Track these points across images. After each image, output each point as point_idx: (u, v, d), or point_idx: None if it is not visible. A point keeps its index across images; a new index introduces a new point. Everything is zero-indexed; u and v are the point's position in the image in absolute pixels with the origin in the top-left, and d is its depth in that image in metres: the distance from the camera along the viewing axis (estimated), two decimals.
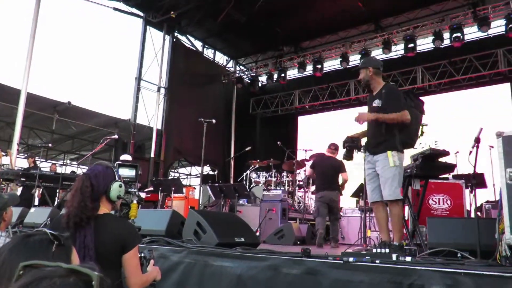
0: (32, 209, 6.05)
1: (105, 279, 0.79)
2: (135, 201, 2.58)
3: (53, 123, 11.61)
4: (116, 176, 2.32)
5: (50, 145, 10.04)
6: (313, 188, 8.68)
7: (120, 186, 2.32)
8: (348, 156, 4.24)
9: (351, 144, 4.25)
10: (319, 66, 12.78)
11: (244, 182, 10.33)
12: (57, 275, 0.77)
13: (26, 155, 10.18)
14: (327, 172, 6.84)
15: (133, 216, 2.59)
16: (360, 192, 7.99)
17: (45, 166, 12.53)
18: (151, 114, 12.46)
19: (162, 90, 12.76)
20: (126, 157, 9.05)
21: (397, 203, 3.87)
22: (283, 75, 13.55)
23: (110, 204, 2.30)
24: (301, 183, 9.98)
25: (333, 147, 6.99)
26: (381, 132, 3.96)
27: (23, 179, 8.25)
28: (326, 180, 6.82)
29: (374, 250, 3.02)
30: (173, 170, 15.42)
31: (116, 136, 7.70)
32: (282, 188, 9.48)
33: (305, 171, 8.79)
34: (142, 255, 2.30)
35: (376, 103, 4.09)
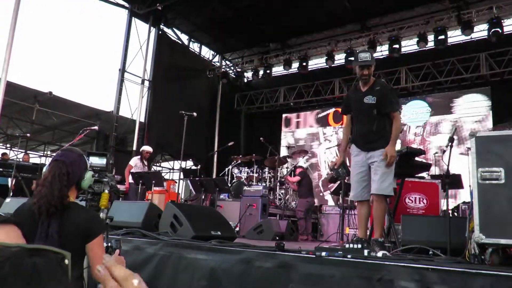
0: (7, 199, 5.95)
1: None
2: (106, 191, 2.56)
3: (33, 113, 11.41)
4: (88, 165, 2.30)
5: (28, 135, 9.85)
6: None
7: (93, 176, 2.30)
8: (333, 181, 4.43)
9: (344, 172, 4.37)
10: (304, 64, 12.84)
11: (226, 177, 10.33)
12: (30, 253, 0.74)
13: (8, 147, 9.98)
14: (311, 182, 8.92)
15: (103, 206, 2.57)
16: (339, 190, 8.06)
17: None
18: (134, 106, 12.35)
19: (146, 83, 12.65)
20: (146, 148, 8.99)
21: (385, 198, 3.92)
22: (268, 71, 13.57)
23: (76, 192, 2.27)
24: (283, 179, 10.03)
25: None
26: (377, 129, 3.98)
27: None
28: (311, 188, 8.73)
29: (347, 246, 3.05)
30: (156, 164, 15.31)
31: (96, 128, 7.60)
32: (264, 184, 9.51)
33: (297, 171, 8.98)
34: (109, 244, 2.28)
35: (369, 99, 4.03)
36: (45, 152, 15.02)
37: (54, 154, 2.37)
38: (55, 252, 0.76)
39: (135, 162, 8.94)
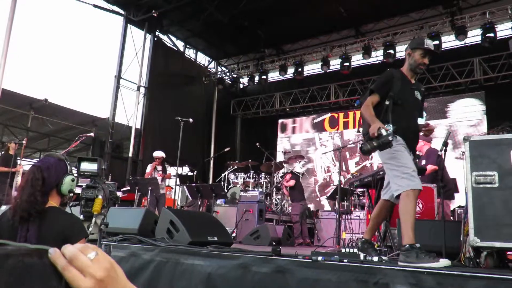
0: (3, 207, 5.93)
1: None
2: (100, 196, 2.56)
3: (28, 121, 11.39)
4: (69, 169, 2.28)
5: (24, 142, 9.80)
6: None
7: (73, 180, 2.27)
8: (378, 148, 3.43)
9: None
10: (300, 70, 12.89)
11: (222, 183, 10.33)
12: (23, 253, 0.75)
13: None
14: (302, 187, 9.08)
15: (96, 211, 2.56)
16: (335, 195, 8.08)
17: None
18: (130, 113, 12.36)
19: (142, 89, 12.66)
20: (160, 153, 8.93)
21: None
22: (264, 77, 13.62)
23: (59, 197, 2.25)
24: (279, 185, 10.05)
25: None
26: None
27: None
28: (303, 192, 8.91)
29: (343, 250, 3.06)
30: None
31: (91, 134, 7.61)
32: (260, 189, 9.52)
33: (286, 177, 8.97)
34: None
35: (418, 95, 3.64)
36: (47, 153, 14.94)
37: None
38: (44, 250, 0.77)
39: (149, 169, 8.97)
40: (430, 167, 5.97)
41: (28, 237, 2.01)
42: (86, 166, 2.95)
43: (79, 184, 3.10)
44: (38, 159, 2.50)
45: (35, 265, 0.73)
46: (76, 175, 2.55)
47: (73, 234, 2.10)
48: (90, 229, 2.74)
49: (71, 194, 2.40)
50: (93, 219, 2.84)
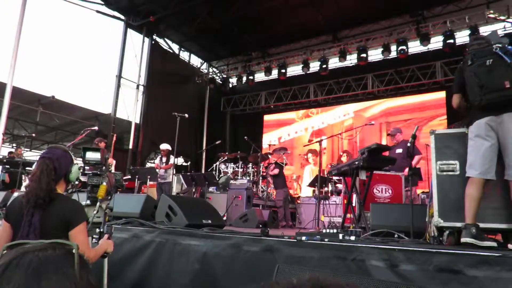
0: (15, 193, 5.83)
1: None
2: (104, 183, 2.53)
3: (37, 115, 11.17)
4: (73, 159, 2.28)
5: (33, 135, 9.64)
6: None
7: (79, 169, 2.28)
8: None
9: None
10: (283, 71, 12.86)
11: (214, 172, 10.29)
12: (39, 248, 0.75)
13: (14, 146, 9.73)
14: (284, 176, 9.02)
15: (100, 196, 2.54)
16: (315, 182, 8.13)
17: (29, 155, 12.08)
18: (130, 109, 12.23)
19: (141, 88, 12.52)
20: (165, 146, 8.77)
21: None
22: (251, 77, 13.57)
23: (65, 185, 2.24)
24: (265, 174, 10.06)
25: None
26: None
27: (7, 166, 7.94)
28: (285, 181, 8.85)
29: (324, 231, 3.08)
30: (150, 161, 15.16)
31: (96, 128, 7.49)
32: (248, 178, 9.52)
33: (271, 167, 8.96)
34: (101, 230, 2.27)
35: None
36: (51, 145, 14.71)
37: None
38: (65, 244, 0.78)
39: (157, 161, 8.86)
40: (418, 157, 6.12)
41: (33, 221, 1.98)
42: (90, 155, 2.91)
43: (86, 172, 3.07)
44: (44, 151, 2.45)
45: (49, 257, 0.74)
46: (80, 166, 2.54)
47: (74, 218, 2.09)
48: (94, 212, 2.70)
49: (77, 182, 2.38)
50: (98, 204, 2.81)
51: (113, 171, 7.98)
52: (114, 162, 8.48)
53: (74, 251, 0.78)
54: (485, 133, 2.90)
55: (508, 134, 2.84)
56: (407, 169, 5.25)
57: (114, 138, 8.98)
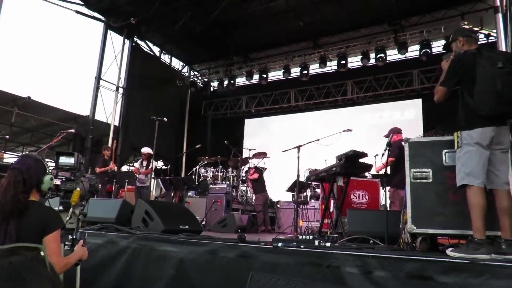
0: None
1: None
2: (78, 188, 2.49)
3: (12, 117, 10.85)
4: (46, 168, 2.23)
5: (7, 136, 9.36)
6: None
7: (52, 179, 2.24)
8: None
9: None
10: (264, 76, 12.93)
11: (193, 176, 10.23)
12: (6, 254, 0.73)
13: None
14: (264, 180, 8.87)
15: (73, 202, 2.49)
16: (294, 187, 8.17)
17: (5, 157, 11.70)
18: (109, 111, 11.99)
19: (121, 90, 12.32)
20: (146, 149, 8.56)
21: (467, 189, 2.82)
22: (232, 81, 13.57)
23: (38, 194, 2.21)
24: (244, 178, 10.05)
25: None
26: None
27: None
28: (265, 185, 8.72)
29: (300, 237, 3.10)
30: (129, 164, 14.96)
31: (72, 130, 7.36)
32: (227, 182, 9.49)
33: (250, 171, 8.94)
34: (74, 237, 2.23)
35: None
36: (24, 153, 14.30)
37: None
38: (29, 248, 0.75)
39: (137, 165, 8.70)
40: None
41: (9, 229, 1.96)
42: (63, 160, 2.84)
43: (59, 176, 3.00)
44: (16, 159, 2.36)
45: (24, 261, 0.71)
46: (54, 171, 2.48)
47: (50, 225, 2.07)
48: (67, 218, 2.64)
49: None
50: (71, 209, 2.74)
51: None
52: (115, 168, 8.88)
53: (42, 253, 0.76)
54: (488, 142, 2.78)
55: (499, 146, 2.83)
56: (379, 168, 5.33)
57: (115, 145, 8.93)
